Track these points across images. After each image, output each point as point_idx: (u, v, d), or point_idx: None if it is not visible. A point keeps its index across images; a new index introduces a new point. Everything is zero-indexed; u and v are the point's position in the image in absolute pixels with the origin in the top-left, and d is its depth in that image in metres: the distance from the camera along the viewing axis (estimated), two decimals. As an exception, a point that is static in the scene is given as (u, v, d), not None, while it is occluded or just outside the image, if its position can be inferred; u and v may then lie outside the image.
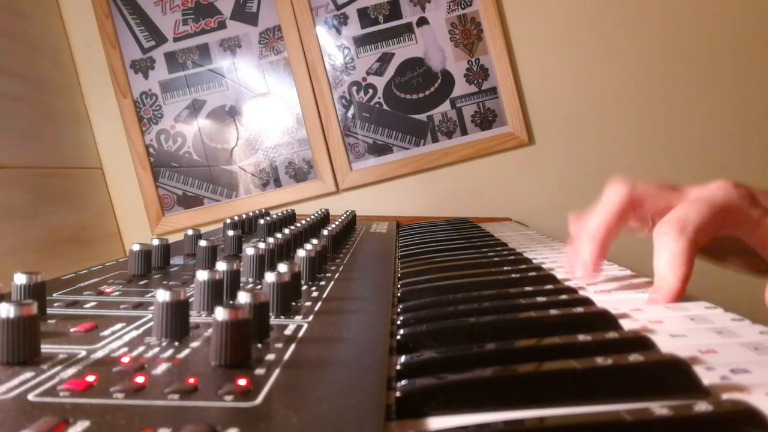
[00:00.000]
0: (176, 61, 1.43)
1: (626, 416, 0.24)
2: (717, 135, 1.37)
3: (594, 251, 0.48)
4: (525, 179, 1.39)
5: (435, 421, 0.26)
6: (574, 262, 0.51)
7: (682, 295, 0.42)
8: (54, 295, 0.47)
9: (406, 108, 1.41)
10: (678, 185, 0.48)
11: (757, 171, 1.35)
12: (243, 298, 0.34)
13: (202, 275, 0.41)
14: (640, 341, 0.33)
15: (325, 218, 0.92)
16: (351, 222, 0.93)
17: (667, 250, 0.42)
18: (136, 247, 0.56)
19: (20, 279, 0.39)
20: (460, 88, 1.40)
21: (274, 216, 0.90)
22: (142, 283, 0.53)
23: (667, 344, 0.33)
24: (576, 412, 0.26)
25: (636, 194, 0.47)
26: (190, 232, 0.71)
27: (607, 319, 0.39)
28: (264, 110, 1.43)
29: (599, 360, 0.29)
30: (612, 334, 0.34)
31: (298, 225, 0.73)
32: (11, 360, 0.30)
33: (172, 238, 0.67)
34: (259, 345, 0.33)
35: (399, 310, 0.46)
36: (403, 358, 0.33)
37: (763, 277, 0.52)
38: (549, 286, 0.49)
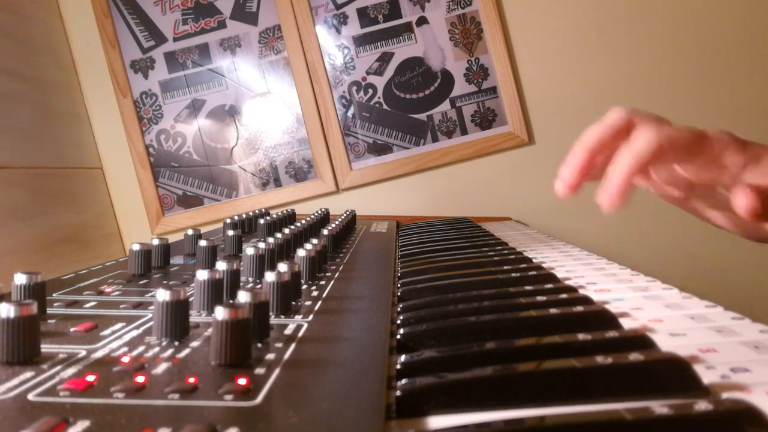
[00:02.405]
0: (176, 61, 1.43)
1: (626, 415, 0.24)
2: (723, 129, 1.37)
3: (582, 157, 0.47)
4: (525, 179, 1.39)
5: (435, 420, 0.26)
6: (562, 170, 0.49)
7: (626, 191, 0.42)
8: (54, 295, 0.47)
9: (406, 108, 1.41)
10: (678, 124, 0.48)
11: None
12: (243, 297, 0.34)
13: (202, 275, 0.41)
14: (640, 340, 0.33)
15: (325, 218, 0.92)
16: (351, 222, 0.93)
17: (638, 138, 0.42)
18: (136, 247, 0.56)
19: (20, 279, 0.39)
20: (460, 87, 1.40)
21: (274, 216, 0.90)
22: (142, 282, 0.53)
23: (667, 343, 0.33)
24: (576, 410, 0.26)
25: (634, 117, 0.47)
26: (190, 231, 0.71)
27: (607, 318, 0.39)
28: (264, 110, 1.43)
29: (599, 359, 0.29)
30: (612, 333, 0.34)
31: (298, 225, 0.73)
32: (11, 360, 0.30)
33: (172, 238, 0.67)
34: (259, 344, 0.33)
35: (399, 309, 0.46)
36: (403, 358, 0.33)
37: (738, 232, 0.52)
38: (549, 285, 0.49)
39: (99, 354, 0.32)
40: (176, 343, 0.34)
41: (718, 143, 0.43)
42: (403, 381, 0.30)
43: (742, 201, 0.40)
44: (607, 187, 0.42)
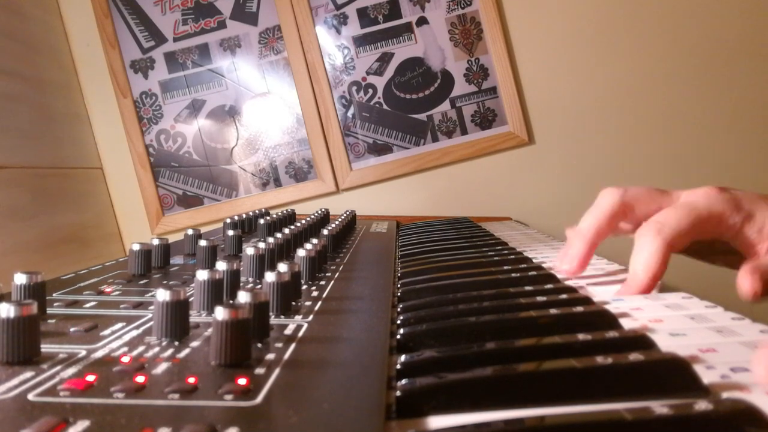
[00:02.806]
0: (176, 61, 1.43)
1: (626, 415, 0.24)
2: (717, 134, 1.37)
3: (582, 249, 0.51)
4: (525, 179, 1.39)
5: (435, 421, 0.26)
6: (562, 259, 0.53)
7: (649, 292, 0.45)
8: (54, 294, 0.47)
9: (406, 108, 1.41)
10: (668, 190, 0.50)
11: (757, 171, 1.35)
12: (243, 297, 0.34)
13: (202, 275, 0.41)
14: (640, 340, 0.33)
15: (325, 218, 0.92)
16: (351, 222, 0.93)
17: (643, 249, 0.45)
18: (136, 247, 0.56)
19: (20, 279, 0.39)
20: (460, 87, 1.40)
21: (274, 216, 0.90)
22: (142, 282, 0.53)
23: (667, 343, 0.33)
24: (576, 411, 0.26)
25: (627, 198, 0.50)
26: (190, 231, 0.71)
27: (607, 318, 0.39)
28: (264, 110, 1.43)
29: (599, 359, 0.29)
30: (612, 333, 0.34)
31: (298, 225, 0.73)
32: (11, 360, 0.30)
33: (172, 238, 0.67)
34: (259, 344, 0.33)
35: (399, 309, 0.46)
36: (403, 358, 0.33)
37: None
38: (549, 286, 0.49)
39: (99, 354, 0.32)
40: (176, 343, 0.34)
41: (716, 214, 0.46)
42: (403, 381, 0.30)
43: (746, 285, 0.42)
44: (631, 287, 0.46)
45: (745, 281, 0.42)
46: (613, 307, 0.41)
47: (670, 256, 0.45)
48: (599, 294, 0.46)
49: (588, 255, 0.51)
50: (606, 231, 0.50)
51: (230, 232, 0.70)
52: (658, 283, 0.46)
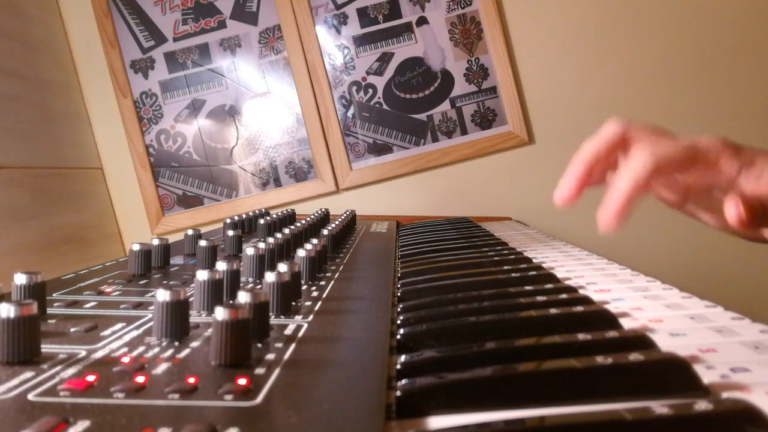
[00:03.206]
0: (176, 61, 1.43)
1: (626, 415, 0.24)
2: (717, 134, 1.37)
3: (579, 170, 0.49)
4: (525, 178, 1.39)
5: (435, 420, 0.26)
6: (559, 184, 0.51)
7: (629, 206, 0.43)
8: (54, 295, 0.47)
9: (406, 108, 1.41)
10: (673, 132, 0.49)
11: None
12: (243, 297, 0.34)
13: (202, 275, 0.41)
14: (640, 340, 0.33)
15: (325, 218, 0.92)
16: (351, 222, 0.93)
17: (632, 160, 0.44)
18: (136, 247, 0.56)
19: (20, 279, 0.39)
20: (460, 87, 1.40)
21: (274, 216, 0.90)
22: (142, 282, 0.53)
23: (667, 343, 0.33)
24: (576, 411, 0.26)
25: (630, 129, 0.48)
26: (190, 232, 0.71)
27: (607, 318, 0.39)
28: (264, 110, 1.43)
29: (599, 359, 0.29)
30: (612, 333, 0.34)
31: (298, 225, 0.73)
32: (11, 360, 0.30)
33: (172, 238, 0.67)
34: (259, 345, 0.33)
35: (399, 309, 0.46)
36: (403, 358, 0.33)
37: (734, 234, 0.52)
38: (549, 285, 0.49)
39: (99, 354, 0.32)
40: (176, 343, 0.34)
41: (713, 152, 0.45)
42: (403, 381, 0.30)
43: (732, 212, 0.42)
44: (608, 207, 0.44)
45: (731, 208, 0.41)
46: (613, 307, 0.41)
47: (657, 176, 0.44)
48: (610, 301, 0.45)
49: (585, 177, 0.49)
50: (604, 156, 0.49)
51: (230, 232, 0.70)
52: (636, 202, 0.44)
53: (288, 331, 0.36)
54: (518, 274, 0.55)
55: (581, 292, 0.47)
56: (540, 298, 0.44)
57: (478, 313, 0.41)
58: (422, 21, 1.40)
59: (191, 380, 0.28)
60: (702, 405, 0.24)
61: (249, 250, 0.53)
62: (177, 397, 0.26)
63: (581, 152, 0.50)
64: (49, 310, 0.42)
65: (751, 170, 0.44)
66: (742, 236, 0.53)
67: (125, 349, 0.33)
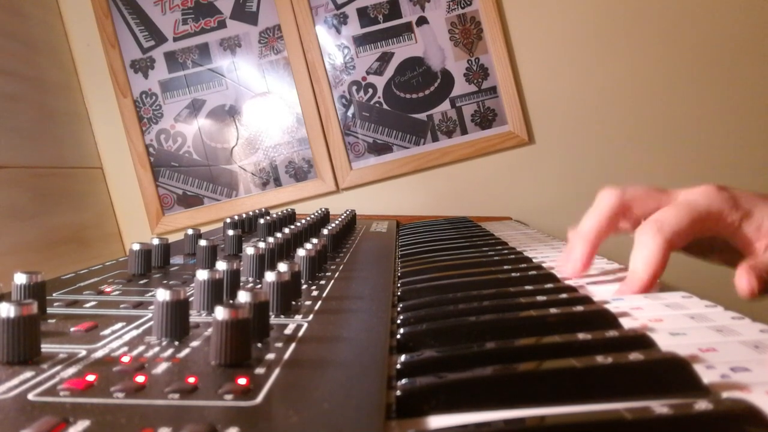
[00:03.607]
0: (176, 61, 1.43)
1: (626, 415, 0.24)
2: (716, 134, 1.37)
3: (585, 250, 0.51)
4: (525, 178, 1.39)
5: (435, 420, 0.26)
6: (565, 261, 0.53)
7: (649, 290, 0.45)
8: (54, 294, 0.47)
9: (406, 107, 1.41)
10: (667, 189, 0.51)
11: (757, 170, 1.35)
12: (243, 297, 0.34)
13: (202, 275, 0.41)
14: (640, 340, 0.33)
15: (325, 218, 0.92)
16: (351, 221, 0.93)
17: (643, 247, 0.45)
18: (136, 247, 0.56)
19: (20, 279, 0.39)
20: (460, 87, 1.40)
21: (274, 215, 0.90)
22: (142, 282, 0.53)
23: (667, 342, 0.33)
24: (576, 410, 0.26)
25: (626, 198, 0.50)
26: (190, 231, 0.71)
27: (607, 318, 0.39)
28: (264, 110, 1.43)
29: (599, 358, 0.29)
30: (612, 333, 0.34)
31: (298, 224, 0.73)
32: (11, 359, 0.30)
33: (172, 238, 0.67)
34: (259, 344, 0.33)
35: (399, 309, 0.46)
36: (403, 357, 0.33)
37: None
38: (549, 285, 0.49)
39: (99, 354, 0.32)
40: (176, 342, 0.34)
41: (715, 212, 0.46)
42: (403, 381, 0.29)
43: (743, 284, 0.42)
44: (628, 286, 0.46)
45: (742, 280, 0.42)
46: (613, 307, 0.41)
47: (670, 254, 0.45)
48: (599, 293, 0.46)
49: (590, 256, 0.51)
50: (606, 231, 0.51)
51: (230, 232, 0.70)
52: (658, 281, 0.46)
53: (288, 331, 0.36)
54: (518, 274, 0.55)
55: (581, 291, 0.47)
56: (540, 298, 0.44)
57: (478, 312, 0.41)
58: (422, 21, 1.40)
59: (191, 380, 0.28)
60: (702, 405, 0.24)
61: (249, 250, 0.53)
62: (177, 396, 0.26)
63: (581, 228, 0.52)
64: (49, 310, 0.42)
65: (750, 221, 0.46)
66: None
67: (125, 349, 0.33)
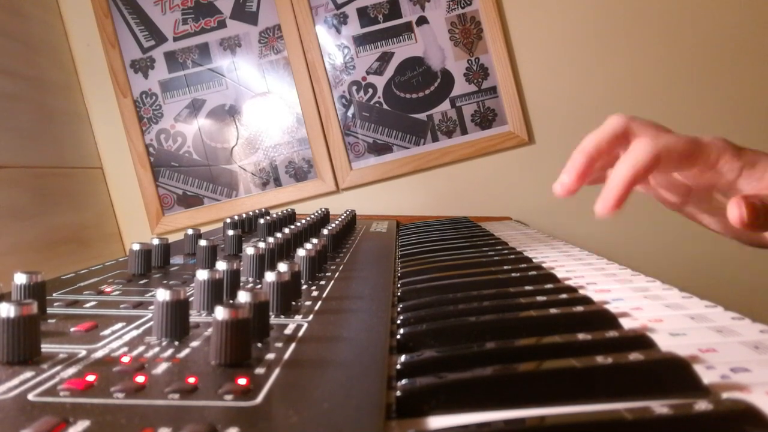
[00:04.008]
0: (176, 61, 1.43)
1: (626, 415, 0.24)
2: (716, 134, 1.37)
3: (581, 161, 0.49)
4: (525, 178, 1.39)
5: (435, 420, 0.26)
6: (560, 176, 0.51)
7: (624, 200, 0.43)
8: (54, 294, 0.47)
9: (406, 107, 1.41)
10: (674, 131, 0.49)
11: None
12: (243, 297, 0.34)
13: (202, 275, 0.41)
14: (640, 340, 0.33)
15: (325, 218, 0.92)
16: (351, 221, 0.93)
17: (630, 152, 0.43)
18: (136, 247, 0.56)
19: (20, 279, 0.39)
20: (460, 87, 1.40)
21: (274, 215, 0.90)
22: (142, 282, 0.53)
23: (667, 343, 0.33)
24: (576, 410, 0.26)
25: (632, 125, 0.48)
26: (190, 231, 0.71)
27: (607, 318, 0.39)
28: (264, 109, 1.43)
29: (599, 359, 0.29)
30: (612, 333, 0.34)
31: (298, 224, 0.73)
32: (11, 359, 0.30)
33: (172, 238, 0.67)
34: (259, 344, 0.33)
35: (399, 309, 0.46)
36: (403, 358, 0.33)
37: (735, 238, 0.52)
38: (549, 285, 0.49)
39: (99, 354, 0.32)
40: (176, 343, 0.34)
41: (715, 150, 0.45)
42: (403, 381, 0.29)
43: (734, 212, 0.40)
44: (606, 194, 0.44)
45: (733, 208, 0.40)
46: (613, 307, 0.41)
47: (654, 168, 0.43)
48: (610, 301, 0.45)
49: (587, 169, 0.49)
50: (606, 150, 0.48)
51: (230, 232, 0.70)
52: (633, 190, 0.44)
53: (288, 331, 0.36)
54: (518, 274, 0.55)
55: (581, 292, 0.47)
56: (540, 298, 0.44)
57: (478, 312, 0.41)
58: (422, 21, 1.40)
59: (191, 380, 0.28)
60: (702, 405, 0.24)
61: (249, 250, 0.53)
62: (177, 396, 0.26)
63: (583, 144, 0.49)
64: (49, 310, 0.42)
65: (752, 172, 0.44)
66: (744, 241, 0.53)
67: (125, 349, 0.33)
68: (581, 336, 0.33)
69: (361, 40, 1.41)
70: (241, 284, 0.48)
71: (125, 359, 0.31)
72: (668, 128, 0.49)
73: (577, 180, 0.49)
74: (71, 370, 0.29)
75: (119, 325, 0.38)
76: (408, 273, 0.60)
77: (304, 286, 0.50)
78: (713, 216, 0.51)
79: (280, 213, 0.94)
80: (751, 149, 0.45)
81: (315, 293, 0.48)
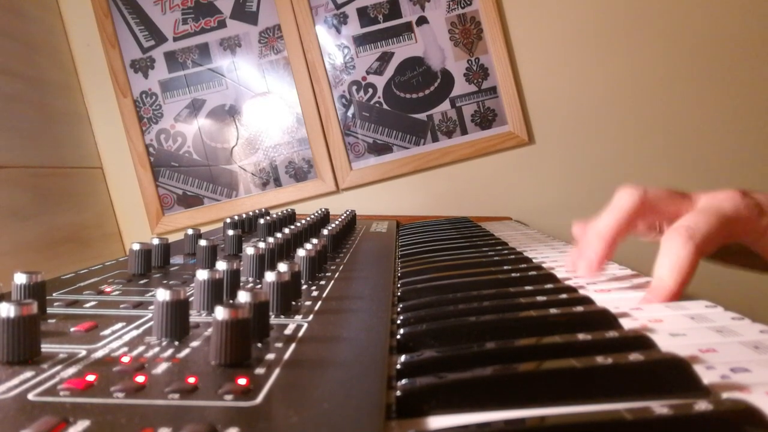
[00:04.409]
0: (176, 61, 1.43)
1: (626, 415, 0.24)
2: (717, 134, 1.37)
3: (601, 249, 0.48)
4: (525, 178, 1.39)
5: (435, 420, 0.26)
6: (577, 261, 0.51)
7: (676, 299, 0.43)
8: (54, 294, 0.47)
9: (406, 107, 1.41)
10: (687, 192, 0.49)
11: (757, 170, 1.35)
12: (243, 297, 0.34)
13: (202, 275, 0.41)
14: (640, 340, 0.33)
15: (325, 218, 0.92)
16: (351, 221, 0.93)
17: (672, 254, 0.43)
18: (136, 247, 0.56)
19: (20, 279, 0.39)
20: (460, 87, 1.40)
21: (274, 215, 0.90)
22: (142, 282, 0.53)
23: (667, 343, 0.33)
24: (576, 411, 0.26)
25: (647, 199, 0.48)
26: (190, 231, 0.71)
27: (607, 318, 0.39)
28: (264, 110, 1.43)
29: (599, 359, 0.29)
30: (612, 333, 0.34)
31: (298, 224, 0.73)
32: (11, 359, 0.30)
33: (172, 238, 0.67)
34: (259, 344, 0.33)
35: (399, 309, 0.46)
36: (403, 358, 0.33)
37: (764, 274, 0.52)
38: (549, 285, 0.49)
39: (99, 354, 0.32)
40: (176, 343, 0.34)
41: (742, 220, 0.44)
42: (403, 381, 0.29)
43: None
44: (654, 294, 0.44)
45: None
46: (613, 307, 0.41)
47: (699, 262, 0.43)
48: (611, 301, 0.45)
49: (606, 256, 0.49)
50: (625, 231, 0.48)
51: (230, 232, 0.70)
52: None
53: (288, 331, 0.36)
54: (518, 274, 0.55)
55: (581, 292, 0.47)
56: (540, 298, 0.44)
57: (478, 313, 0.41)
58: (422, 21, 1.40)
59: (191, 380, 0.28)
60: (702, 405, 0.24)
61: (249, 250, 0.53)
62: (177, 396, 0.26)
63: (600, 226, 0.49)
64: (49, 310, 0.42)
65: None
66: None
67: (125, 349, 0.33)
68: (581, 336, 0.33)
69: (361, 40, 1.41)
70: (241, 284, 0.48)
71: (125, 359, 0.31)
72: (680, 191, 0.48)
73: (597, 267, 0.49)
74: (71, 370, 0.29)
75: (119, 325, 0.38)
76: (408, 273, 0.60)
77: (304, 286, 0.50)
78: (733, 257, 0.52)
79: (280, 213, 0.94)
80: (765, 197, 0.45)
81: (315, 293, 0.48)
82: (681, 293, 0.43)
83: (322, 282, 0.52)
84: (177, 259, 0.65)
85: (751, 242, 0.46)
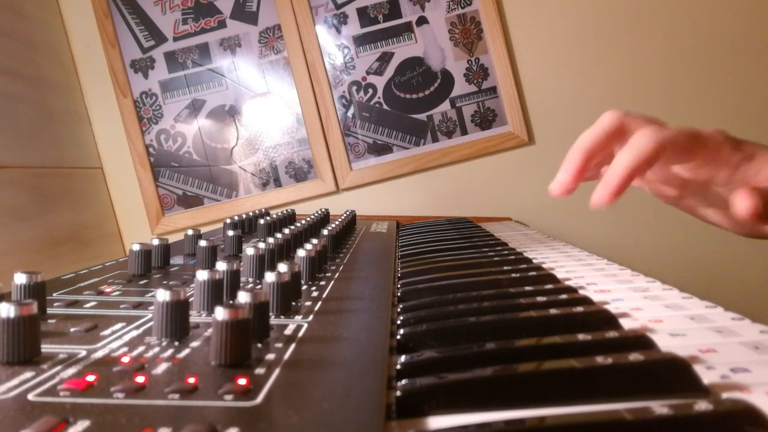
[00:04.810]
0: (176, 61, 1.43)
1: (626, 415, 0.24)
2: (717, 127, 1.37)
3: (578, 159, 0.48)
4: (525, 179, 1.39)
5: (435, 421, 0.26)
6: (558, 174, 0.51)
7: (625, 188, 0.42)
8: (54, 294, 0.47)
9: (406, 107, 1.41)
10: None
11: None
12: (243, 297, 0.34)
13: (202, 275, 0.41)
14: (640, 340, 0.33)
15: (325, 218, 0.92)
16: (351, 222, 0.93)
17: (633, 143, 0.43)
18: (136, 247, 0.56)
19: (20, 279, 0.39)
20: (460, 87, 1.40)
21: (274, 216, 0.90)
22: (142, 282, 0.53)
23: (667, 343, 0.33)
24: (576, 411, 0.26)
25: (627, 120, 0.48)
26: (190, 232, 0.71)
27: (607, 319, 0.39)
28: (264, 110, 1.43)
29: (599, 359, 0.29)
30: (612, 334, 0.34)
31: (298, 225, 0.73)
32: (11, 360, 0.30)
33: (172, 238, 0.67)
34: (259, 345, 0.33)
35: (399, 309, 0.46)
36: (403, 358, 0.33)
37: (732, 230, 0.52)
38: (549, 286, 0.49)
39: (99, 354, 0.32)
40: (176, 343, 0.34)
41: (713, 142, 0.44)
42: (403, 381, 0.30)
43: (743, 203, 0.40)
44: (605, 184, 0.43)
45: (743, 199, 0.40)
46: (613, 308, 0.41)
47: (656, 161, 0.43)
48: (611, 301, 0.45)
49: (583, 167, 0.48)
50: (602, 147, 0.48)
51: (230, 232, 0.70)
52: (631, 183, 0.43)
53: (288, 331, 0.36)
54: (518, 275, 0.55)
55: (581, 292, 0.47)
56: (540, 299, 0.44)
57: (478, 313, 0.41)
58: (422, 21, 1.40)
59: (191, 380, 0.28)
60: (702, 405, 0.24)
61: (249, 250, 0.53)
62: (177, 397, 0.26)
63: (578, 142, 0.49)
64: (49, 310, 0.42)
65: (750, 165, 0.44)
66: (742, 232, 0.53)
67: (125, 349, 0.33)
68: (581, 336, 0.33)
69: (361, 40, 1.41)
70: (241, 284, 0.48)
71: (125, 359, 0.31)
72: (663, 121, 0.49)
73: (574, 178, 0.48)
74: (71, 370, 0.29)
75: (119, 326, 0.38)
76: (408, 273, 0.60)
77: (304, 287, 0.50)
78: (711, 208, 0.51)
79: (280, 213, 0.94)
80: (749, 141, 0.45)
81: (315, 293, 0.48)
82: (629, 182, 0.42)
83: (322, 282, 0.52)
84: (177, 260, 0.65)
85: (725, 180, 0.45)
